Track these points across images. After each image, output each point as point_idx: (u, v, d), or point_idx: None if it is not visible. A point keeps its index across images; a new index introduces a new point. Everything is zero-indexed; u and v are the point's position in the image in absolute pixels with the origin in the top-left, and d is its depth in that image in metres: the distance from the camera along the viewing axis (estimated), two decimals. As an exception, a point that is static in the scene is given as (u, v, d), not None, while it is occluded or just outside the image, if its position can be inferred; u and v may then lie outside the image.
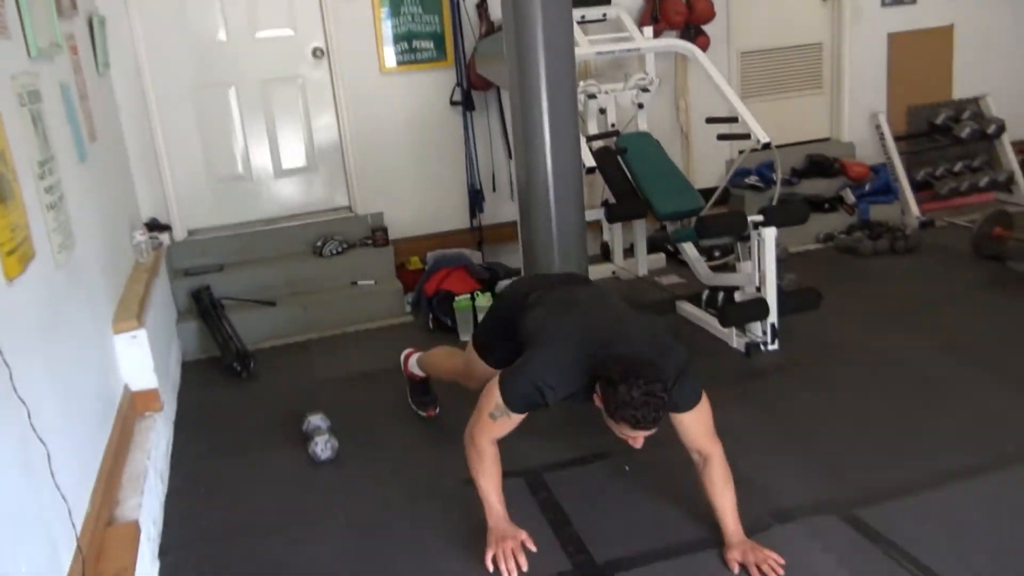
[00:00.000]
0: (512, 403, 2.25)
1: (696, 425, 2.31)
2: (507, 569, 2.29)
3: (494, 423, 2.28)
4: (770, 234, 3.45)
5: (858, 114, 5.70)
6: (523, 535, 2.36)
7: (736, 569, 2.26)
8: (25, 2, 2.48)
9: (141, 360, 3.04)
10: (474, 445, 2.34)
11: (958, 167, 5.60)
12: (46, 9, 2.81)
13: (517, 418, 2.29)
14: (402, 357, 3.33)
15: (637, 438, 2.16)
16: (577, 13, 4.53)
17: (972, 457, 2.72)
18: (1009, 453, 2.73)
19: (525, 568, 2.29)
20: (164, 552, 2.59)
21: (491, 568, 2.30)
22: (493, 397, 2.27)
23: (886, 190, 5.38)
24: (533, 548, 2.34)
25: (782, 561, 2.25)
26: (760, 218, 3.51)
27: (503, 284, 4.54)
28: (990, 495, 2.51)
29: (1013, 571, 2.18)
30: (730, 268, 4.15)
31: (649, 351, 2.22)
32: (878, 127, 5.59)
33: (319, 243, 4.63)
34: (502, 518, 2.37)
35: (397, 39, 4.73)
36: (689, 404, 2.28)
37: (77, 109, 3.08)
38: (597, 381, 2.15)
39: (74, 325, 2.48)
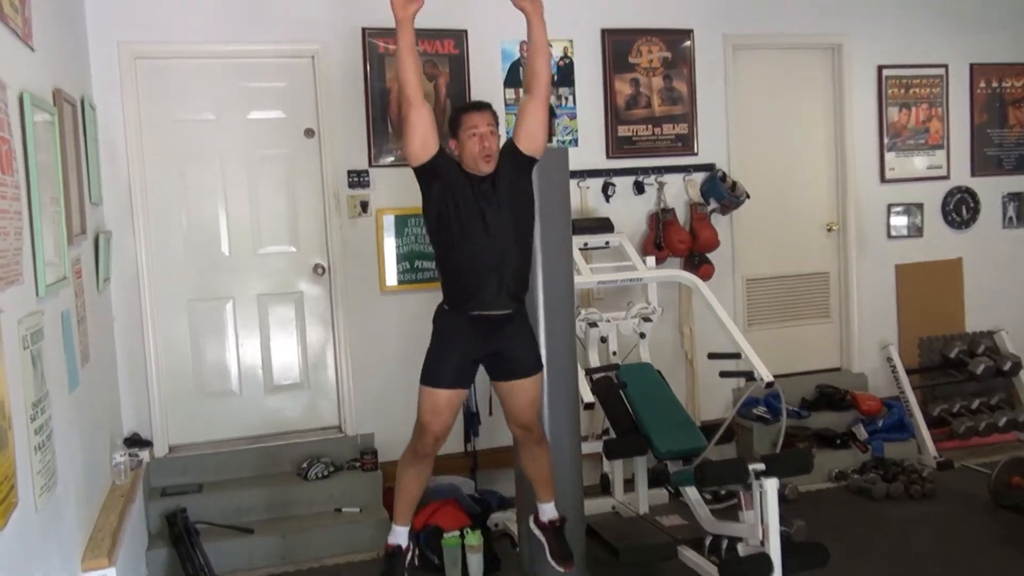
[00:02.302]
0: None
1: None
2: None
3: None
4: (772, 485, 3.56)
5: (868, 344, 5.96)
6: None
7: None
8: (40, 244, 2.74)
9: (106, 603, 3.09)
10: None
11: (975, 404, 5.78)
12: (57, 243, 3.09)
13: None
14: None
15: (480, 126, 3.24)
16: (580, 240, 4.89)
17: None
18: None
19: None
20: None
21: None
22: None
23: (900, 426, 5.53)
24: None
25: None
26: (761, 467, 3.63)
27: (496, 517, 4.63)
28: None
29: None
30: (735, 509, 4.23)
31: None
32: (889, 359, 5.82)
33: (305, 464, 4.75)
34: None
35: (400, 259, 5.06)
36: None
37: (75, 335, 3.30)
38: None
39: (42, 572, 2.56)
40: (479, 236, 3.27)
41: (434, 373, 3.38)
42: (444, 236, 3.35)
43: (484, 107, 3.34)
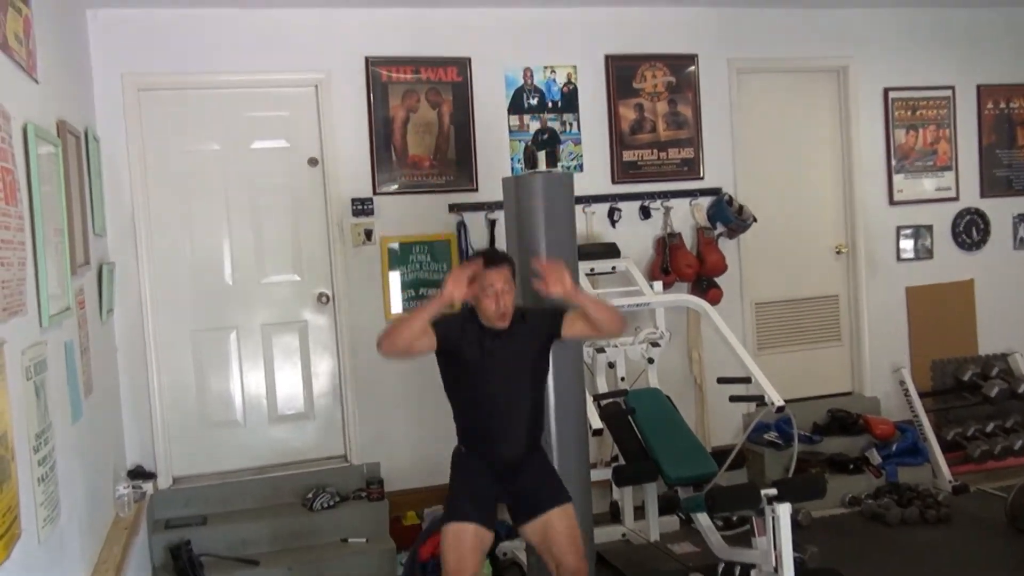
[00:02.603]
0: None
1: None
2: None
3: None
4: (785, 510, 3.55)
5: (880, 368, 5.93)
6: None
7: None
8: (44, 275, 2.77)
9: (110, 638, 3.08)
10: None
11: (990, 427, 5.75)
12: (61, 274, 3.11)
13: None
14: None
15: (496, 284, 3.17)
16: (586, 266, 4.90)
17: None
18: None
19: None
20: None
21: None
22: None
23: (914, 450, 5.49)
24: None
25: None
26: (774, 492, 3.62)
27: (504, 546, 4.60)
28: None
29: None
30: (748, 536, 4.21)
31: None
32: (902, 383, 5.79)
33: (310, 495, 4.74)
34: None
35: (404, 286, 5.08)
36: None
37: (78, 366, 3.32)
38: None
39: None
40: (492, 388, 3.28)
41: (456, 508, 3.31)
42: (457, 391, 3.38)
43: (502, 262, 3.27)
